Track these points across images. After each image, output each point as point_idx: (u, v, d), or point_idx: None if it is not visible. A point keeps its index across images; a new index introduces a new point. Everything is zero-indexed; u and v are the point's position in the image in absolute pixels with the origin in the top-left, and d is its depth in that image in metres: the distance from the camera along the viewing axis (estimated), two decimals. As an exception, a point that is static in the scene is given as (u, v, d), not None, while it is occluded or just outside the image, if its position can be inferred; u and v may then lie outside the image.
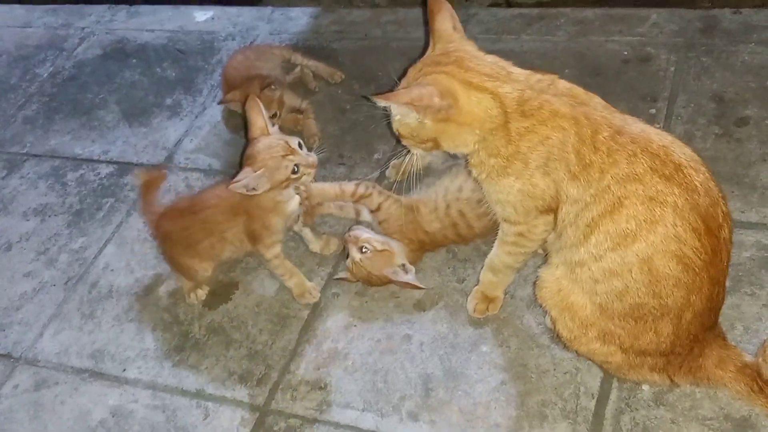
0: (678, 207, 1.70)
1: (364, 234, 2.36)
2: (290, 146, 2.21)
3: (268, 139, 2.22)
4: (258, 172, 2.16)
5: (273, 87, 2.86)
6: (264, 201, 2.27)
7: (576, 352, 2.02)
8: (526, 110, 1.79)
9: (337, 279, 2.44)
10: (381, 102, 1.84)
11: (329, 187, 2.53)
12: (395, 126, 1.93)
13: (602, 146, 1.74)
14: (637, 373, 1.97)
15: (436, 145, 1.91)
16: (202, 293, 2.52)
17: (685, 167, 1.72)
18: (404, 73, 1.93)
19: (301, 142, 2.26)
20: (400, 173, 2.45)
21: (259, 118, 2.25)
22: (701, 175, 1.73)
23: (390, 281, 2.33)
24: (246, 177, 2.16)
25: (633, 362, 1.93)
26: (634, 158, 1.72)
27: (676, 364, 1.92)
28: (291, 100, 2.96)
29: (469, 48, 1.90)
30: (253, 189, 2.18)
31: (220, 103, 3.12)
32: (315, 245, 2.55)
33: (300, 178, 2.23)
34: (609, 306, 1.86)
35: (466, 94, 1.81)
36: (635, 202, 1.72)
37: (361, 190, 2.48)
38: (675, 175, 1.70)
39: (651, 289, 1.78)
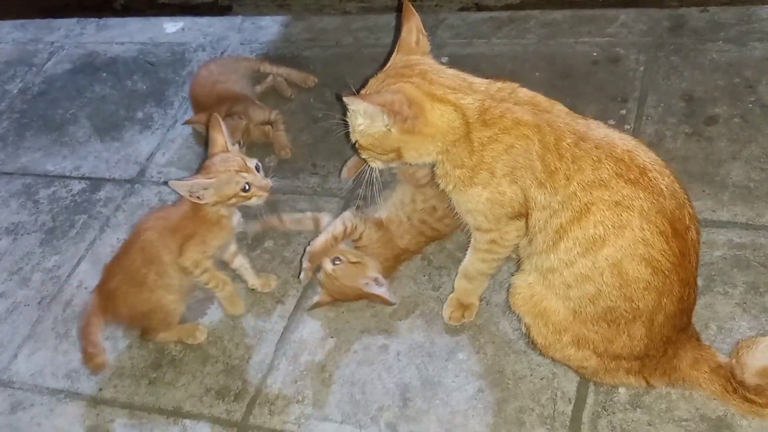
0: (644, 211, 1.70)
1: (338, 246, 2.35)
2: (246, 164, 2.21)
3: (227, 154, 2.23)
4: (207, 180, 2.17)
5: (240, 117, 2.84)
6: (209, 214, 2.25)
7: (551, 358, 2.02)
8: (487, 119, 1.80)
9: (311, 309, 2.40)
10: (353, 102, 1.82)
11: (323, 240, 2.41)
12: (356, 137, 1.92)
13: (567, 153, 1.74)
14: (613, 377, 1.97)
15: (399, 156, 1.91)
16: (201, 335, 2.42)
17: (650, 171, 1.72)
18: (364, 84, 1.93)
19: (260, 165, 2.26)
20: (356, 173, 2.45)
21: (219, 135, 2.26)
22: (666, 178, 1.74)
23: (363, 295, 2.32)
24: (192, 180, 2.17)
25: (608, 366, 1.94)
26: (599, 164, 1.72)
27: (651, 367, 1.92)
28: (259, 113, 2.94)
29: (431, 61, 1.91)
30: (198, 198, 2.18)
31: (184, 123, 3.09)
32: (255, 282, 2.49)
33: (249, 198, 2.23)
34: (582, 310, 1.86)
35: (430, 106, 1.82)
36: (602, 208, 1.72)
37: (349, 227, 2.42)
38: (640, 179, 1.71)
39: (622, 293, 1.78)
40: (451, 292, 2.28)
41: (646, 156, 1.75)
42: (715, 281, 2.18)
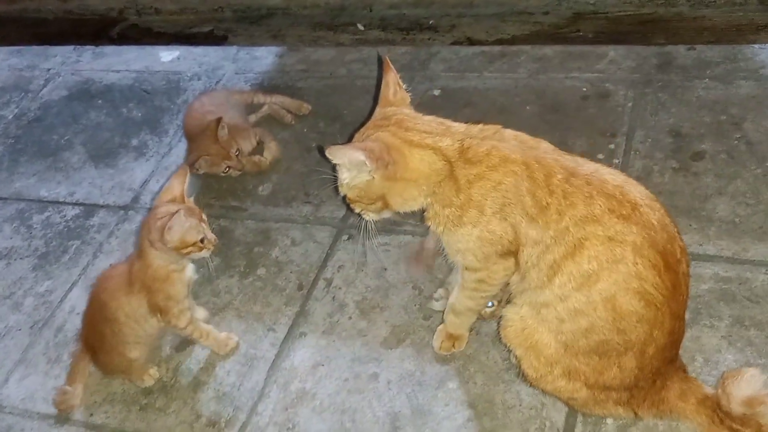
0: (637, 245, 1.74)
1: None
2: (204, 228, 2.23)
3: (191, 222, 2.19)
4: (186, 219, 2.16)
5: (222, 126, 2.87)
6: (158, 271, 2.24)
7: (542, 390, 2.04)
8: (470, 157, 1.84)
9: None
10: (335, 153, 1.87)
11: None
12: (344, 190, 1.97)
13: (557, 189, 1.78)
14: (602, 408, 1.99)
15: (386, 204, 1.96)
16: (153, 374, 2.43)
17: (641, 206, 1.76)
18: (351, 138, 1.99)
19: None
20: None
21: (180, 186, 2.26)
22: (657, 213, 1.78)
23: None
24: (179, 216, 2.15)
25: (598, 397, 1.96)
26: (591, 200, 1.75)
27: (639, 398, 1.94)
28: (247, 144, 2.99)
29: (408, 110, 1.97)
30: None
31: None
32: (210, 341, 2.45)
33: (202, 248, 2.22)
34: (574, 343, 1.88)
35: (409, 152, 1.87)
36: (595, 243, 1.75)
37: None
38: (632, 215, 1.75)
39: (615, 326, 1.81)
40: (442, 322, 2.31)
41: (636, 191, 1.79)
42: (701, 314, 2.21)
